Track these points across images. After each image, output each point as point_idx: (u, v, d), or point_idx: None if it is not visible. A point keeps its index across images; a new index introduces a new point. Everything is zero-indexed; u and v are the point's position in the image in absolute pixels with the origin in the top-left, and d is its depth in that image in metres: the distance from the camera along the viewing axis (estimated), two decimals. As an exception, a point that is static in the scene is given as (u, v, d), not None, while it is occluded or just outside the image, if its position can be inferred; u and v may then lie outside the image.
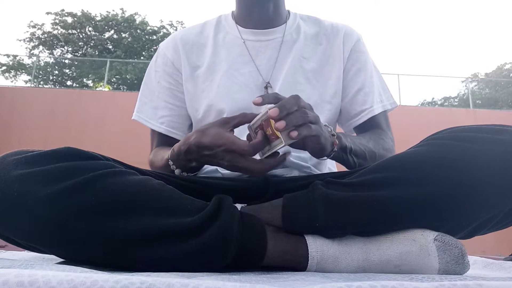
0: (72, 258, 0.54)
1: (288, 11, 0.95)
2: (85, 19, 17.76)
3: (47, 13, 17.74)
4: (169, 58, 0.90)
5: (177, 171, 0.72)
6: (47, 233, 0.51)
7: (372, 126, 0.89)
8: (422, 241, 0.55)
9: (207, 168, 0.82)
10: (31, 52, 18.01)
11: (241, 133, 0.69)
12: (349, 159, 0.75)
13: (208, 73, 0.88)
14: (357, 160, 0.76)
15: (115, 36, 18.27)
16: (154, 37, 18.09)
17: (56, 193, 0.51)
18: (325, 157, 0.70)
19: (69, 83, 17.30)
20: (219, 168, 0.79)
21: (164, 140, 0.91)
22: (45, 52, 18.21)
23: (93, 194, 0.51)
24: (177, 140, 0.82)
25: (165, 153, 0.77)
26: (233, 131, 0.66)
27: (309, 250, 0.56)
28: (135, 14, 18.30)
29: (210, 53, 0.89)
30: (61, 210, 0.51)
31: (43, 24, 17.90)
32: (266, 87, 0.85)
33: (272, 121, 0.59)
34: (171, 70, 0.90)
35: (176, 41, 0.91)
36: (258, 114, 0.64)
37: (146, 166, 0.78)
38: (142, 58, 17.83)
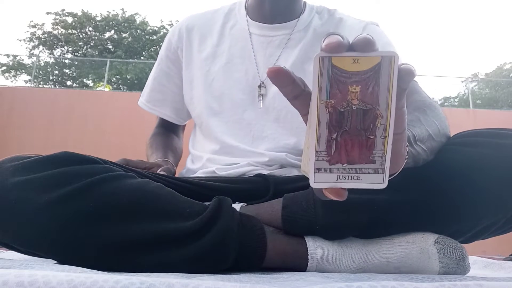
0: (72, 264, 0.54)
1: (305, 4, 0.88)
2: (86, 19, 17.75)
3: (47, 13, 17.75)
4: (173, 45, 0.91)
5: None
6: (47, 240, 0.51)
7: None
8: (423, 244, 0.55)
9: (205, 169, 0.82)
10: (31, 52, 18.03)
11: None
12: (418, 150, 0.51)
13: (207, 62, 0.86)
14: (428, 145, 0.54)
15: (115, 36, 18.26)
16: (154, 37, 18.08)
17: (54, 200, 0.50)
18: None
19: (69, 83, 17.30)
20: (216, 170, 0.78)
21: (162, 120, 0.99)
22: (45, 52, 18.21)
23: (92, 200, 0.51)
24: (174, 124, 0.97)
25: (152, 154, 0.89)
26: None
27: (308, 251, 0.56)
28: (136, 14, 18.31)
29: (213, 42, 0.87)
30: (60, 217, 0.50)
31: (43, 24, 17.92)
32: (259, 86, 0.81)
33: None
34: (174, 57, 0.91)
35: (182, 28, 0.91)
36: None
37: (145, 166, 0.78)
38: (142, 58, 17.84)
